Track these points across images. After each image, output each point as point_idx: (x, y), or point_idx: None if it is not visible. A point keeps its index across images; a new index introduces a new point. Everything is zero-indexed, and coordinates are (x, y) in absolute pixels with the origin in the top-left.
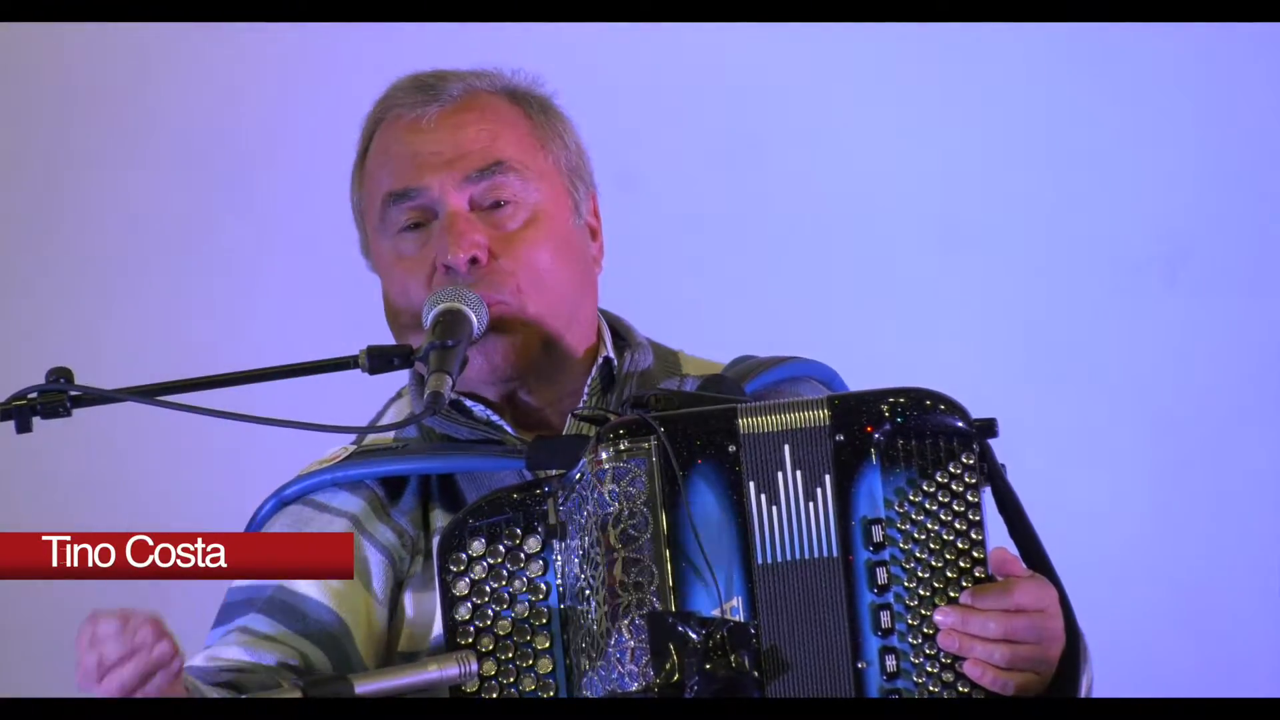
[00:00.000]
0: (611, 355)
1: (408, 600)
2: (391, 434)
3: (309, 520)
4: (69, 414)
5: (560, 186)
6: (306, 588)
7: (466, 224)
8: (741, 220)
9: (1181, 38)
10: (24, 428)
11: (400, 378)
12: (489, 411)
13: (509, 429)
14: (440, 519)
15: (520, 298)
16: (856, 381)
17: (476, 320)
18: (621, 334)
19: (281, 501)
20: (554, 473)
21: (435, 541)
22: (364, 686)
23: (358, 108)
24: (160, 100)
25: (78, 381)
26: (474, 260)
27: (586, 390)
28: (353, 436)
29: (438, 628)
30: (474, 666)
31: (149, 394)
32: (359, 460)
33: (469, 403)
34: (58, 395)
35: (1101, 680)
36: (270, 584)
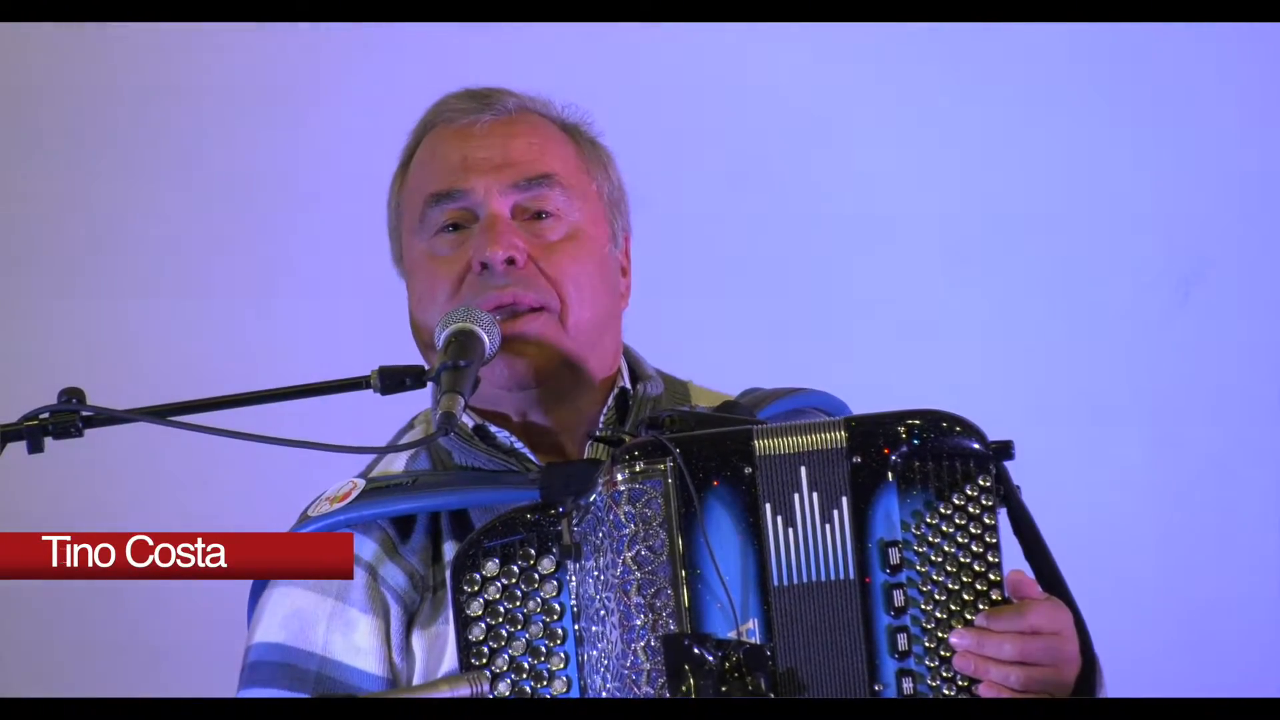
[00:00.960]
0: (628, 386)
1: (417, 640)
2: (402, 466)
3: None
4: (80, 434)
5: (601, 213)
6: (350, 656)
7: (507, 226)
8: (747, 244)
9: (1195, 44)
10: (36, 448)
11: (411, 398)
12: (513, 439)
13: (532, 456)
14: (451, 551)
15: (561, 306)
16: (868, 403)
17: (489, 341)
18: (632, 366)
19: None
20: None
21: (449, 564)
22: None
23: (372, 121)
24: (171, 112)
25: (89, 401)
26: (511, 261)
27: (602, 419)
28: (360, 469)
29: (448, 664)
30: (485, 687)
31: (160, 414)
32: (370, 499)
33: (493, 428)
34: (69, 416)
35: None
36: (314, 654)
